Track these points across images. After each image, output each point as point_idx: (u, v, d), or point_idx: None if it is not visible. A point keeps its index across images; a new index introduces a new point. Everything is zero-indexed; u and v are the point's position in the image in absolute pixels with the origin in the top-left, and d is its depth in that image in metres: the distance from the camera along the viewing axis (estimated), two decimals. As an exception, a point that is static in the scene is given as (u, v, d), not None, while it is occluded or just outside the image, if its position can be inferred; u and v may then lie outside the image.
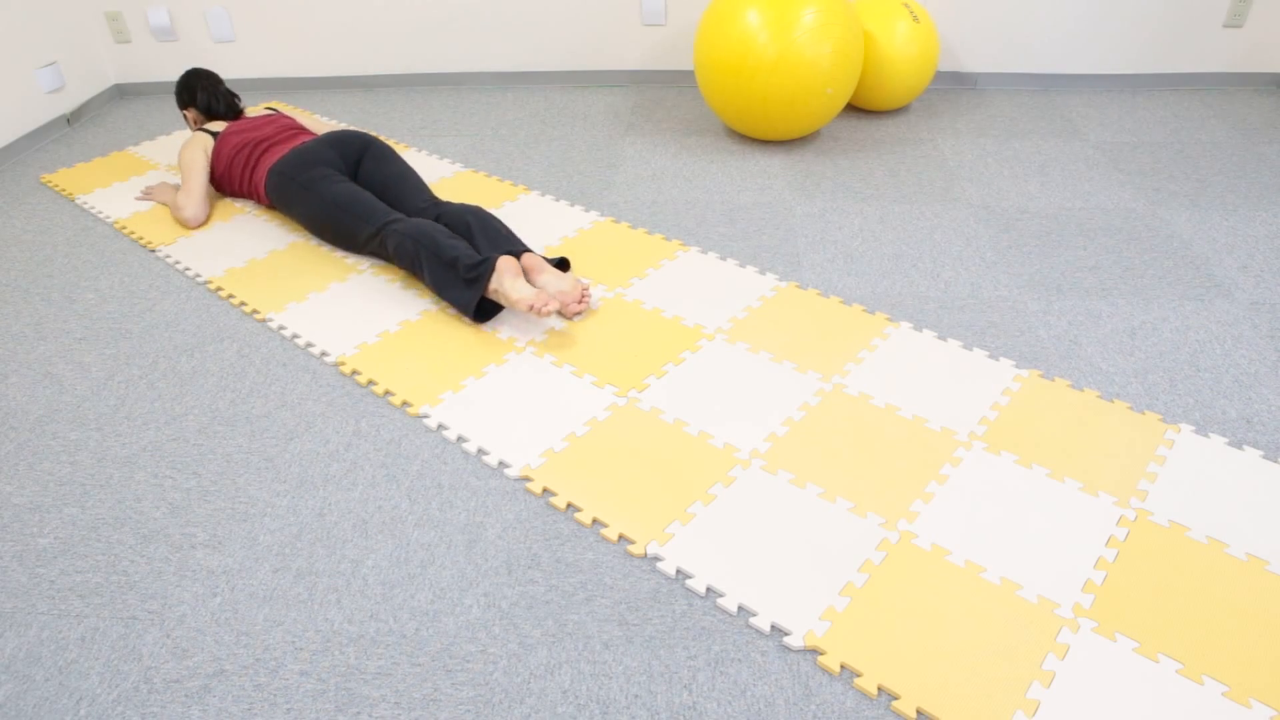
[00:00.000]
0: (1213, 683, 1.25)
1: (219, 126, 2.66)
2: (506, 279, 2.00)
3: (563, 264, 2.22)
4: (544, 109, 3.37)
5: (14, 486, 1.68)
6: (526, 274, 2.11)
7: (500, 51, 3.54)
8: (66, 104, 3.36)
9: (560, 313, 2.10)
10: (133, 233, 2.56)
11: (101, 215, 2.67)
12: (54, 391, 1.94)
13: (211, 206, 2.65)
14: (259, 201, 2.60)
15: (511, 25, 3.47)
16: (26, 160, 3.09)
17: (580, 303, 2.07)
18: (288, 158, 2.41)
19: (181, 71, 3.61)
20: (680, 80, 3.56)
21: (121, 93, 3.68)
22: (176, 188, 2.68)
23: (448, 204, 2.30)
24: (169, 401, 1.89)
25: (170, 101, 3.59)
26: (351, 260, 2.36)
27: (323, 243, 2.46)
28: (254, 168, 2.55)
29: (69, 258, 2.46)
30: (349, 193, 2.30)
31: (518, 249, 2.14)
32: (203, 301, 2.24)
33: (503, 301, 2.01)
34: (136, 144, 3.18)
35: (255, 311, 2.17)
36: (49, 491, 1.67)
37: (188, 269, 2.37)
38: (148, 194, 2.74)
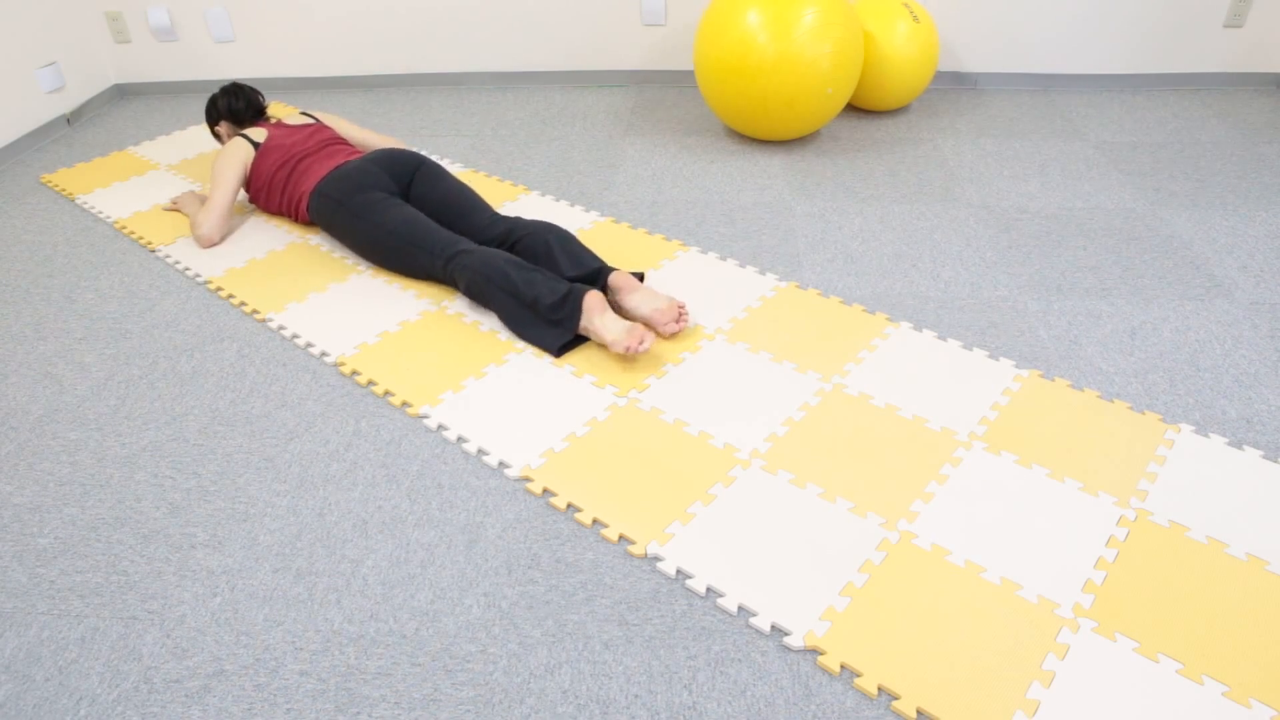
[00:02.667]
0: (1213, 683, 1.25)
1: (260, 136, 2.52)
2: (596, 318, 1.90)
3: (640, 279, 2.12)
4: (544, 109, 3.37)
5: (14, 486, 1.68)
6: (617, 294, 2.02)
7: (500, 51, 3.54)
8: (66, 104, 3.36)
9: (658, 333, 1.99)
10: (133, 233, 2.56)
11: (101, 215, 2.67)
12: (54, 391, 1.94)
13: (230, 227, 2.54)
14: (297, 220, 2.50)
15: (511, 25, 3.48)
16: (26, 160, 3.09)
17: (678, 321, 1.95)
18: (332, 178, 2.29)
19: (180, 71, 3.62)
20: (680, 80, 3.56)
21: (121, 93, 3.68)
22: (203, 199, 2.59)
23: (520, 221, 2.18)
24: (169, 401, 1.89)
25: (170, 102, 3.59)
26: (351, 260, 2.36)
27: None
28: (294, 186, 2.44)
29: (69, 258, 2.46)
30: (408, 219, 2.17)
31: (604, 268, 2.06)
32: (203, 301, 2.24)
33: (593, 338, 1.94)
34: (136, 144, 3.18)
35: (255, 311, 2.17)
36: (49, 491, 1.67)
37: (188, 269, 2.37)
38: (174, 204, 2.65)
